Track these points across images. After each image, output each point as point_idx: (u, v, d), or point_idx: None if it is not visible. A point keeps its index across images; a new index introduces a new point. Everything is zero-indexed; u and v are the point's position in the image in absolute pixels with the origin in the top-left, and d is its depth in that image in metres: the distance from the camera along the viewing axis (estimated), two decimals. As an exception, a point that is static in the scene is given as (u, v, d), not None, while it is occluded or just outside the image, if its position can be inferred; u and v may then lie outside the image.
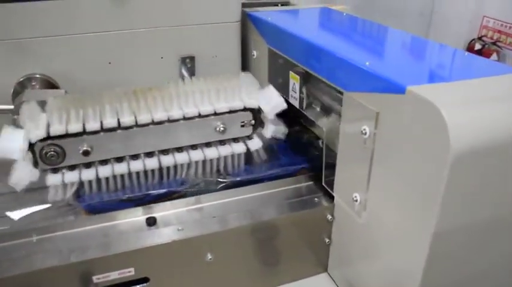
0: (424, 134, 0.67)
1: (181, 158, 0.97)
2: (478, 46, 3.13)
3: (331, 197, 0.97)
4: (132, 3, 1.15)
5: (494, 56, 3.03)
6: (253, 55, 1.25)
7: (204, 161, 1.00)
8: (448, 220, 0.69)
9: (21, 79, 1.13)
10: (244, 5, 1.31)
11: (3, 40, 1.09)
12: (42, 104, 0.96)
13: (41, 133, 0.87)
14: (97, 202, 0.93)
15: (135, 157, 0.96)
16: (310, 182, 1.05)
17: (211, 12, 1.22)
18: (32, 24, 1.10)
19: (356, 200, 0.85)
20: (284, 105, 1.00)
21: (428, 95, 0.66)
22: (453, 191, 0.66)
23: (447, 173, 0.64)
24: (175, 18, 1.19)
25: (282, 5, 1.66)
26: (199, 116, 0.96)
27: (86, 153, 0.90)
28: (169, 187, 0.97)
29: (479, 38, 3.16)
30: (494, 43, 3.07)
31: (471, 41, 3.17)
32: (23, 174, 0.87)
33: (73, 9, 1.11)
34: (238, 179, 1.01)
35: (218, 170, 1.03)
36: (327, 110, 0.95)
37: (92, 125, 0.90)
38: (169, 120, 0.94)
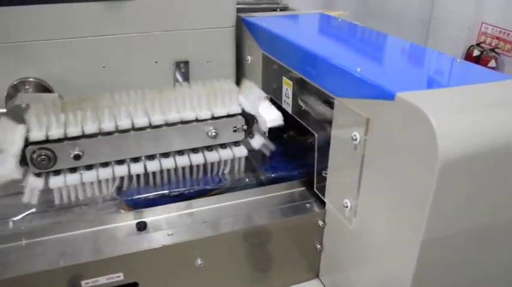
0: (413, 141, 0.67)
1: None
2: (476, 52, 3.13)
3: (322, 203, 0.97)
4: (126, 7, 1.15)
5: (492, 63, 3.02)
6: (248, 60, 1.25)
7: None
8: (437, 228, 0.68)
9: (15, 82, 1.13)
10: (241, 10, 1.31)
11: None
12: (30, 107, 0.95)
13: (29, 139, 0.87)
14: (138, 197, 0.96)
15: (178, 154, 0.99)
16: (303, 188, 1.04)
17: (205, 17, 1.22)
18: (26, 28, 1.10)
19: (346, 206, 0.85)
20: (281, 122, 1.00)
21: (417, 102, 0.66)
22: (442, 198, 0.66)
23: (436, 181, 0.64)
24: (169, 23, 1.19)
25: (281, 10, 1.67)
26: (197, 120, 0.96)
27: (76, 157, 0.90)
28: (207, 184, 1.00)
29: (478, 45, 3.16)
30: (492, 49, 3.07)
31: (470, 47, 3.17)
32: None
33: (67, 13, 1.11)
34: (273, 175, 1.05)
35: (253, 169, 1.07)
36: (319, 116, 0.95)
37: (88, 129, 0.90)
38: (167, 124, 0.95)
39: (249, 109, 0.98)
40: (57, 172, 0.92)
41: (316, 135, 0.94)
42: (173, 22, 1.20)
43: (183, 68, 1.22)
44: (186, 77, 1.23)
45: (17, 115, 0.93)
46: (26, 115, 0.88)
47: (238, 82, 1.23)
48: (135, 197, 0.96)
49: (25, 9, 1.08)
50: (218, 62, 1.27)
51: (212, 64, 1.26)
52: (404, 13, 3.25)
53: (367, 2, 3.28)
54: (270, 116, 1.00)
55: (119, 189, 0.97)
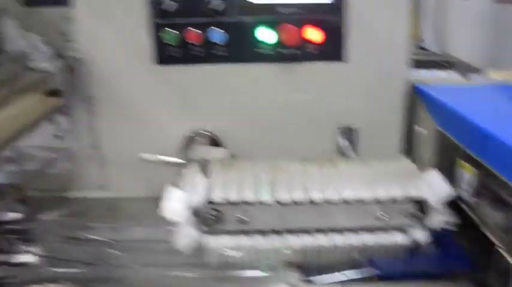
0: None
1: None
2: None
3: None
4: (298, 71, 1.18)
5: None
6: (419, 132, 1.17)
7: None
8: None
9: (191, 135, 1.23)
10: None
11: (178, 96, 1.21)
12: (205, 164, 1.01)
13: (202, 198, 0.91)
14: (392, 270, 0.91)
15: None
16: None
17: (375, 82, 1.19)
18: (203, 85, 1.20)
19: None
20: (451, 194, 0.91)
21: None
22: None
23: None
24: (336, 87, 1.20)
25: (447, 64, 1.57)
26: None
27: (241, 221, 0.92)
28: None
29: None
30: None
31: None
32: (189, 237, 0.91)
33: (243, 72, 1.19)
34: None
35: None
36: (504, 211, 0.82)
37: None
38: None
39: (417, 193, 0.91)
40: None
41: (499, 233, 0.82)
42: (340, 87, 1.19)
43: (348, 135, 1.20)
44: (351, 144, 1.20)
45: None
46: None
47: (406, 154, 1.16)
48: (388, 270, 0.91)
49: (201, 68, 1.18)
50: (385, 130, 1.21)
51: (378, 132, 1.21)
52: None
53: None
54: (438, 191, 0.91)
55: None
